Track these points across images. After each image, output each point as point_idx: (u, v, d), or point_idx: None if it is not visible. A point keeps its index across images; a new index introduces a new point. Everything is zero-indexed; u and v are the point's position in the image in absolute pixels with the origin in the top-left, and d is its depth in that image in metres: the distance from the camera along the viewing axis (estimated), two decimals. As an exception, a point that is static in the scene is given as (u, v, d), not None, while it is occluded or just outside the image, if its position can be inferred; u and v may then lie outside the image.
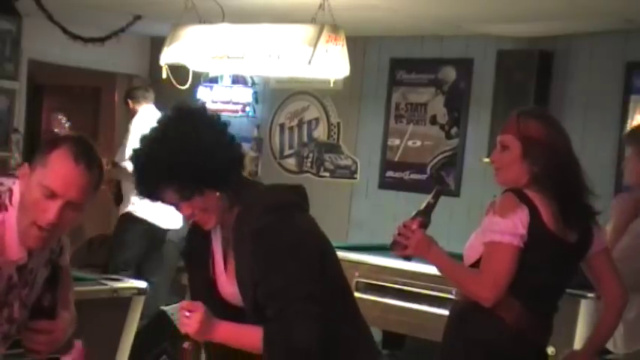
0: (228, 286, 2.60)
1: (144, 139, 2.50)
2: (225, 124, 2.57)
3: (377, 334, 6.79)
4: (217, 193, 2.49)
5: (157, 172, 2.44)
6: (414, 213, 3.07)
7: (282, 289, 2.43)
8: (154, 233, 7.02)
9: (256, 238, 2.45)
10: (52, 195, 2.17)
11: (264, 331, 2.43)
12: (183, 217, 2.62)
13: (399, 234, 3.04)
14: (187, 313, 2.48)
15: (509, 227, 2.92)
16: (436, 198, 3.03)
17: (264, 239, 2.45)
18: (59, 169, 2.18)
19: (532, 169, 3.01)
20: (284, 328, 2.41)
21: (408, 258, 3.12)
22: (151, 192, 2.51)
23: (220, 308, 2.58)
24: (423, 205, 3.06)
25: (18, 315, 2.32)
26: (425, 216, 3.03)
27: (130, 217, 6.94)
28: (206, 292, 2.63)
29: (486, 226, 2.99)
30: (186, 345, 2.52)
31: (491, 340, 3.00)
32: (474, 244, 3.05)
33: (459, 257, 3.15)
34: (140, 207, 6.80)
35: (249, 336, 2.47)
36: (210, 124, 2.52)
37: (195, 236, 2.67)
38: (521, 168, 3.02)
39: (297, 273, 2.44)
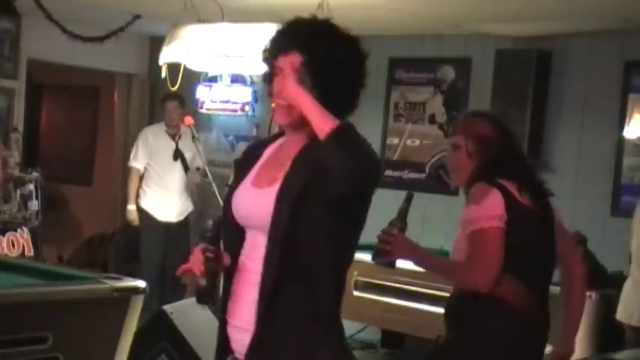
0: (246, 198, 2.46)
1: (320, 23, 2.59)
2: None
3: (376, 333, 6.82)
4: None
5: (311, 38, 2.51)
6: (389, 221, 3.05)
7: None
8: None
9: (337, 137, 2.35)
10: None
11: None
12: None
13: (380, 241, 3.04)
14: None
15: (486, 211, 2.98)
16: (408, 202, 3.02)
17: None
18: None
19: (480, 162, 3.10)
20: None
21: (391, 266, 3.10)
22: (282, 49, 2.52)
23: (229, 224, 2.47)
24: (398, 211, 3.05)
25: None
26: (401, 221, 3.03)
27: None
28: (226, 203, 2.52)
29: (464, 217, 3.05)
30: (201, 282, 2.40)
31: (493, 328, 3.02)
32: (459, 246, 3.08)
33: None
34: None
35: None
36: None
37: (255, 148, 2.59)
38: (471, 164, 3.13)
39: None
